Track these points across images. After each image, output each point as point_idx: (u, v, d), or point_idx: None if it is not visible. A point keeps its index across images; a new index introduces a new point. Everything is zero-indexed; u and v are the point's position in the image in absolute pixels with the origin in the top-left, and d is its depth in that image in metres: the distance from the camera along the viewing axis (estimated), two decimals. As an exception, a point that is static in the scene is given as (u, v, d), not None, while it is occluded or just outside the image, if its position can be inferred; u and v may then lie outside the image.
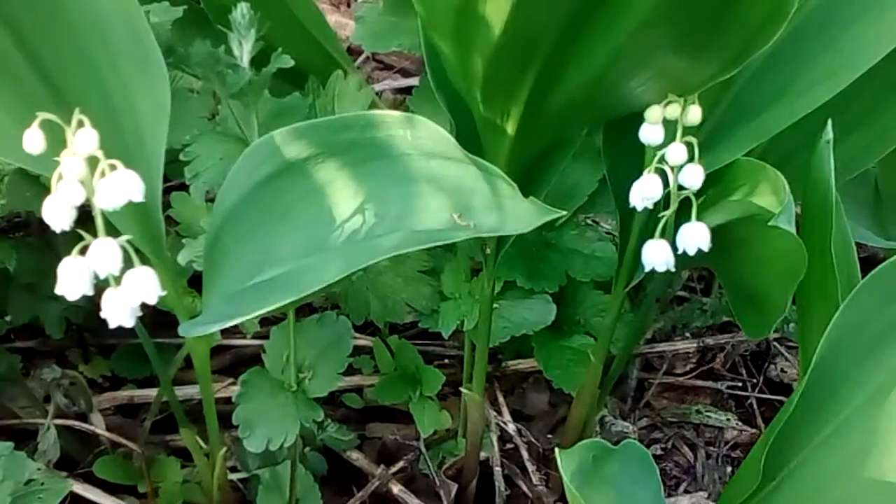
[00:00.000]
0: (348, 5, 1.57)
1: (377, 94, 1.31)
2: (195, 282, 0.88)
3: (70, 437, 1.00)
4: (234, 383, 1.03)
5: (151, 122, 0.69)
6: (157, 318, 0.90)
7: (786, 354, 1.20)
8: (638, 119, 0.75)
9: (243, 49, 0.81)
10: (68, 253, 1.15)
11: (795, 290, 0.73)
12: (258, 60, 0.80)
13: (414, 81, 1.31)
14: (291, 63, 0.79)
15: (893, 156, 0.85)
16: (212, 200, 0.87)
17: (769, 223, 0.66)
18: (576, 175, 0.98)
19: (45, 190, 0.97)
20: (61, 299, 1.10)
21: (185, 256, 0.84)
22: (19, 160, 0.70)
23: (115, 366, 1.10)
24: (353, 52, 1.37)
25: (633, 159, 0.79)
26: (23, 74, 0.67)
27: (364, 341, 1.08)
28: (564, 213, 0.64)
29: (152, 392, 1.06)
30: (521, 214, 0.64)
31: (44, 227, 1.09)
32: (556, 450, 0.64)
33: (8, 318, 1.01)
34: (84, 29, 0.66)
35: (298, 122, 0.84)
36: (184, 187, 0.89)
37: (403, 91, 1.35)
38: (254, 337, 1.09)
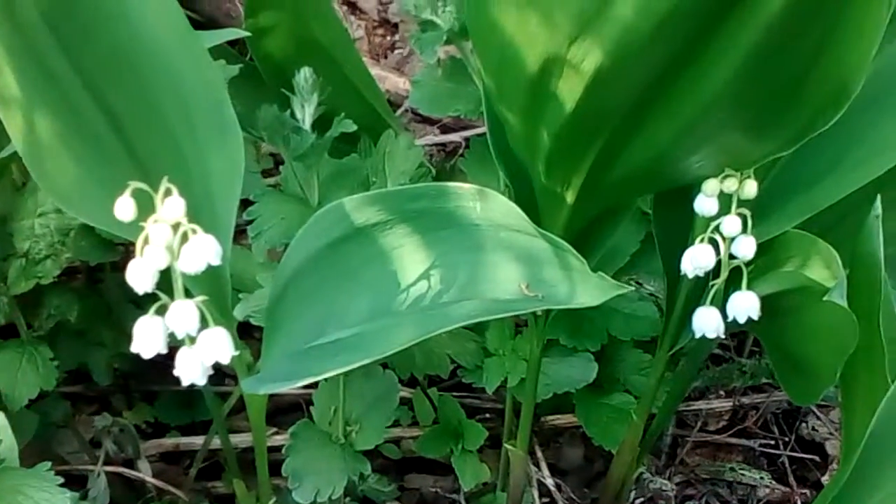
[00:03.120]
0: (385, 57, 1.60)
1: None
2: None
3: (116, 484, 1.02)
4: (276, 433, 1.05)
5: (224, 185, 0.70)
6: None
7: (817, 413, 1.21)
8: (689, 187, 0.77)
9: (305, 112, 0.83)
10: (117, 299, 1.16)
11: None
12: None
13: (454, 137, 1.33)
14: (354, 128, 0.82)
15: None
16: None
17: (824, 298, 0.68)
18: (618, 236, 0.99)
19: (101, 241, 1.00)
20: (109, 346, 1.12)
21: (242, 311, 0.86)
22: (91, 219, 0.73)
23: (159, 412, 1.12)
24: (392, 103, 1.40)
25: (683, 225, 0.81)
26: (104, 137, 0.69)
27: (402, 393, 1.09)
28: (632, 288, 0.66)
29: (197, 440, 1.07)
30: (590, 289, 0.65)
31: (92, 274, 1.12)
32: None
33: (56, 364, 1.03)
34: (166, 100, 0.68)
35: (357, 182, 0.87)
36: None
37: (440, 146, 1.37)
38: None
